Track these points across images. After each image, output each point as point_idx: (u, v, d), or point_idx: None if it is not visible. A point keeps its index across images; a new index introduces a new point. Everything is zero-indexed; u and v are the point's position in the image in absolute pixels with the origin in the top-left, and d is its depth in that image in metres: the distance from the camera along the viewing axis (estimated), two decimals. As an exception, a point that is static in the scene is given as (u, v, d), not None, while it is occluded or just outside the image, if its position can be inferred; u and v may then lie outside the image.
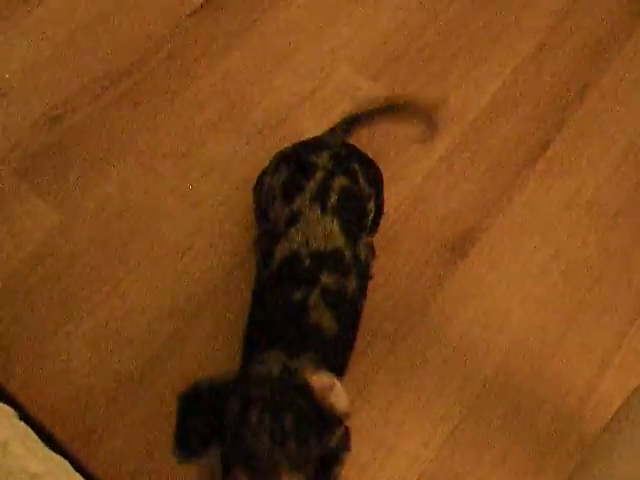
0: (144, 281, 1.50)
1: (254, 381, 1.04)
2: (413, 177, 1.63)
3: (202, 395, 1.04)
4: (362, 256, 1.28)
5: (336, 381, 1.00)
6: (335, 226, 1.22)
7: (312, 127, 1.66)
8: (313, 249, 1.19)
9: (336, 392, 0.99)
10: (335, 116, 1.66)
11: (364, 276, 1.32)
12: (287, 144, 1.57)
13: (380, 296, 1.46)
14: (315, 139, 1.43)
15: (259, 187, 1.41)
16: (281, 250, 1.21)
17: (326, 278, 1.18)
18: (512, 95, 1.77)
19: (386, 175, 1.49)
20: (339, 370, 1.23)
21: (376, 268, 1.48)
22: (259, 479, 0.95)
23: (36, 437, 1.05)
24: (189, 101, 1.71)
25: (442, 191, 1.62)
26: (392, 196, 1.57)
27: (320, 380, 1.00)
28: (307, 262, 1.18)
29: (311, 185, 1.25)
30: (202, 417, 1.02)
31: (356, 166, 1.31)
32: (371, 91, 1.74)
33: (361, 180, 1.31)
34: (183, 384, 1.35)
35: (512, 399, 1.38)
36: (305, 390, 1.00)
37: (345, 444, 1.25)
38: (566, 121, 1.73)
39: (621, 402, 0.97)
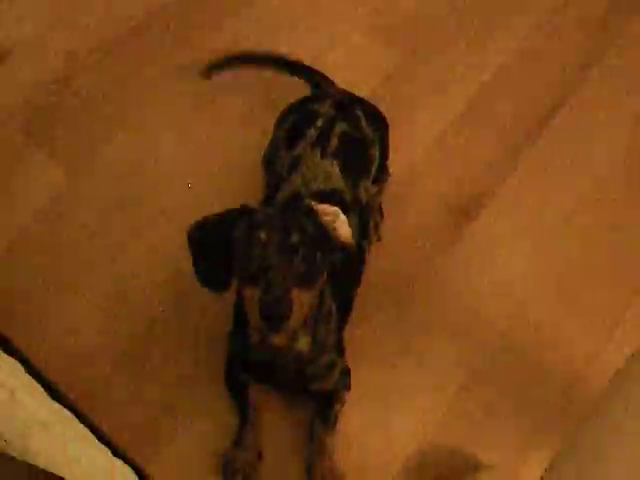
0: (148, 245, 1.49)
1: (260, 209, 1.07)
2: (425, 140, 1.64)
3: (208, 227, 1.06)
4: (363, 198, 1.30)
5: (340, 211, 1.02)
6: (335, 169, 1.25)
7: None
8: (313, 189, 1.21)
9: (340, 220, 1.02)
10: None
11: (366, 217, 1.34)
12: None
13: (387, 259, 1.46)
14: (320, 91, 1.46)
15: (269, 146, 1.42)
16: (283, 193, 1.24)
17: None
18: (525, 59, 1.78)
19: (398, 136, 1.49)
20: (344, 307, 1.25)
21: (384, 231, 1.48)
22: (269, 294, 0.96)
23: (42, 389, 1.04)
24: (195, 66, 1.69)
25: (452, 155, 1.62)
26: (402, 158, 1.58)
27: (325, 208, 1.03)
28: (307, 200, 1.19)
29: (312, 131, 1.28)
30: (211, 248, 1.04)
31: (359, 112, 1.34)
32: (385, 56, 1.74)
33: (363, 125, 1.34)
34: (187, 344, 1.37)
35: (515, 366, 1.38)
36: (311, 213, 1.02)
37: (345, 383, 1.27)
38: (583, 81, 1.73)
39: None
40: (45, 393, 1.04)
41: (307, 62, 1.60)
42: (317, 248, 1.01)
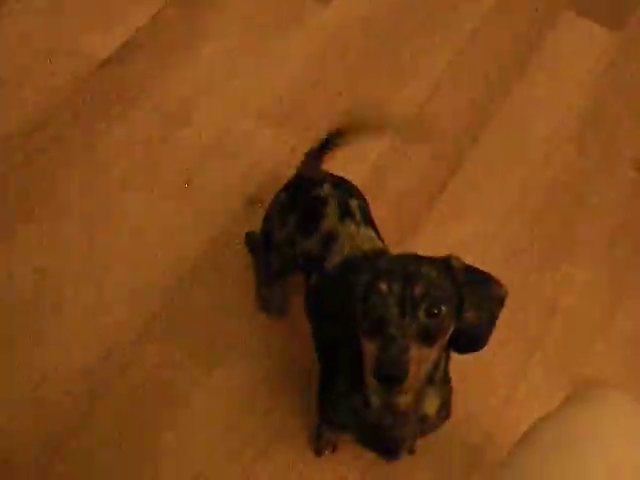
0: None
1: (383, 257, 1.01)
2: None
3: (330, 278, 1.12)
4: None
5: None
6: (372, 233, 1.27)
7: (221, 177, 1.69)
8: (363, 251, 1.21)
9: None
10: (242, 165, 1.69)
11: None
12: (198, 199, 1.62)
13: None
14: (304, 179, 1.42)
15: (267, 240, 1.42)
16: (332, 262, 1.22)
17: None
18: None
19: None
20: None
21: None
22: (385, 353, 0.89)
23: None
24: (96, 160, 1.71)
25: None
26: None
27: (456, 258, 0.97)
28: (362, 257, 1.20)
29: (330, 210, 1.28)
30: (332, 299, 1.04)
31: (352, 188, 1.38)
32: (276, 137, 1.78)
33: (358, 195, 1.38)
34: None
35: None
36: (438, 262, 0.96)
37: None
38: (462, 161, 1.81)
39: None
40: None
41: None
42: (444, 300, 0.93)
